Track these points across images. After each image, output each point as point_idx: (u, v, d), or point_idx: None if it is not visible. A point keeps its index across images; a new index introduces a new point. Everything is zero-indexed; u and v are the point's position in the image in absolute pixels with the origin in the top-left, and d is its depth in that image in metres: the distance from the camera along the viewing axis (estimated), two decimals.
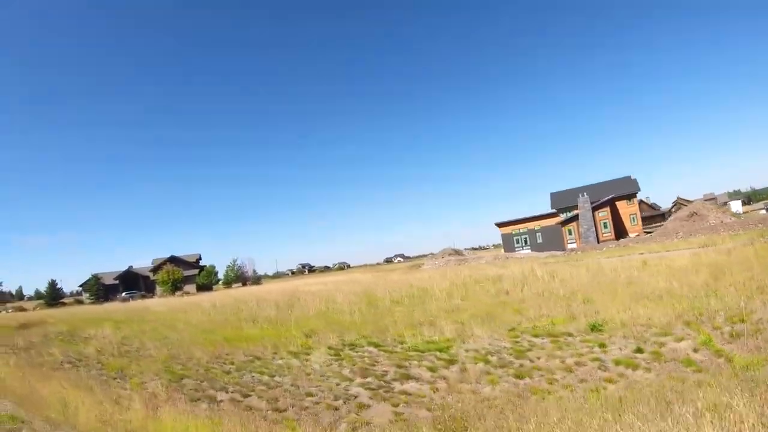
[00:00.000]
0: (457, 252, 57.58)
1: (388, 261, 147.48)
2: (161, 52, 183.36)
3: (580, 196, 54.02)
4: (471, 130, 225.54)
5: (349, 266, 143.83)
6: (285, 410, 6.32)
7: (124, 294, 64.34)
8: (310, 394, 6.89)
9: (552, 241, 55.78)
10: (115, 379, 9.40)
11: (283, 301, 19.57)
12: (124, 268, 77.09)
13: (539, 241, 57.77)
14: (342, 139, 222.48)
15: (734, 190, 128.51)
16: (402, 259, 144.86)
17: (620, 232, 54.27)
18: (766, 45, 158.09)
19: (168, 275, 64.72)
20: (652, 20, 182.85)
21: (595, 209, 53.12)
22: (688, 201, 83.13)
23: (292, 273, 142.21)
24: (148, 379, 8.86)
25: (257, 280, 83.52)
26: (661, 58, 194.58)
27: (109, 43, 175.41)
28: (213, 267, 76.39)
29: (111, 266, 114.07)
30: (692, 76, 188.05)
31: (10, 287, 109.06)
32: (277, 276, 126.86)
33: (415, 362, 8.01)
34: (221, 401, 6.87)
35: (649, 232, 52.49)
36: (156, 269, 71.66)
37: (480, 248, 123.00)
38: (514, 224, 59.50)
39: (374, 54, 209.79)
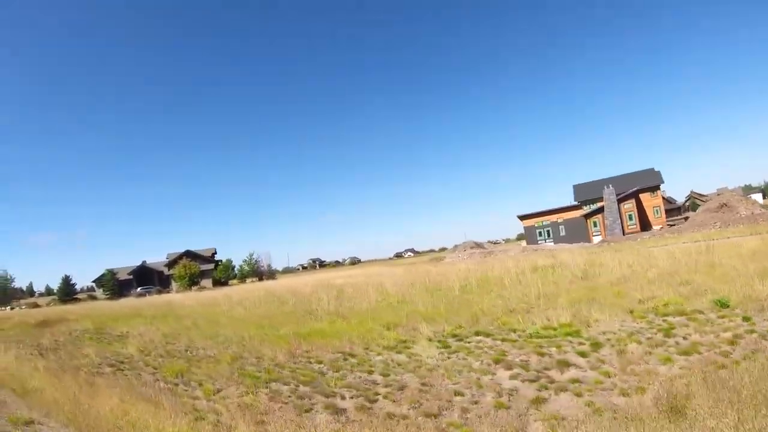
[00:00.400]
0: (479, 245, 56.18)
1: (399, 256, 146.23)
2: (167, 52, 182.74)
3: (606, 188, 52.45)
4: (472, 129, 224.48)
5: (360, 261, 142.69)
6: (439, 414, 4.98)
7: (139, 289, 62.77)
8: (458, 393, 5.60)
9: (575, 234, 54.36)
10: (177, 385, 7.86)
11: (319, 293, 18.24)
12: (136, 263, 75.73)
13: (562, 233, 56.40)
14: (346, 139, 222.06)
15: (746, 185, 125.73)
16: (412, 254, 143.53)
17: (645, 224, 52.99)
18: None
19: (185, 270, 63.50)
20: (652, 19, 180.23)
21: (620, 201, 51.69)
22: (702, 195, 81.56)
23: (303, 268, 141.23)
24: (222, 385, 7.35)
25: (272, 274, 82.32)
26: (663, 58, 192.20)
27: (126, 41, 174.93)
28: (230, 261, 74.71)
29: (122, 262, 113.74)
30: (700, 72, 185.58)
31: (20, 284, 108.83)
32: (288, 271, 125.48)
33: (554, 349, 6.96)
34: (344, 410, 5.50)
35: (672, 225, 51.08)
36: (171, 264, 70.26)
37: (490, 242, 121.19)
38: (537, 216, 58.20)
39: (381, 49, 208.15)
